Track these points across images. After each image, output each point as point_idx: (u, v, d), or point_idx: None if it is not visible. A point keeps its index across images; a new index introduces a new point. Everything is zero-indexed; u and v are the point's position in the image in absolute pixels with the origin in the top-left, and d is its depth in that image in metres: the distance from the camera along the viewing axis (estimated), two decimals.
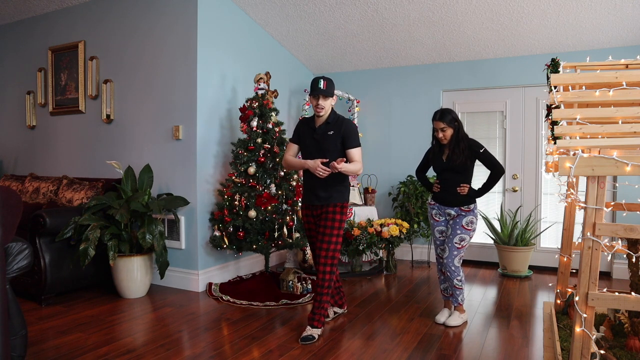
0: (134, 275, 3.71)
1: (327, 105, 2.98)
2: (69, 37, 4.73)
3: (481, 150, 3.12)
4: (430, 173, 3.49)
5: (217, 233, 3.86)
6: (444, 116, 3.08)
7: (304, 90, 5.48)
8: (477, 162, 3.17)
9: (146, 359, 2.58)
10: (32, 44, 5.07)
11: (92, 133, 4.59)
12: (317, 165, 2.88)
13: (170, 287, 4.07)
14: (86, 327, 3.06)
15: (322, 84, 2.93)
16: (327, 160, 2.92)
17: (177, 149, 4.08)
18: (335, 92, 5.10)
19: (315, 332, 2.90)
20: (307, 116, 3.08)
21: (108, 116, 4.45)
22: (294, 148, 3.17)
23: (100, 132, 4.53)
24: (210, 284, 4.02)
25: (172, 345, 2.79)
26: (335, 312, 3.34)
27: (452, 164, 3.11)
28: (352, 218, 4.71)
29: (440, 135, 3.12)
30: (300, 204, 3.19)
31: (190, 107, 3.99)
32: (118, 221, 3.62)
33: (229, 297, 3.73)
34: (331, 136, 2.98)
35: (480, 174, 3.50)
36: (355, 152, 2.99)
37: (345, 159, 2.90)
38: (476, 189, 3.17)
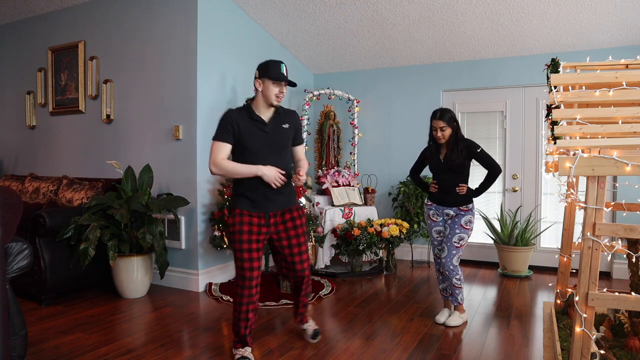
0: (134, 275, 3.71)
1: (285, 93, 2.57)
2: (69, 37, 4.73)
3: (478, 150, 3.13)
4: (424, 173, 3.48)
5: (217, 233, 3.86)
6: (444, 115, 3.08)
7: (304, 90, 5.48)
8: (474, 162, 3.18)
9: (146, 359, 2.58)
10: (32, 44, 5.07)
11: (92, 133, 4.59)
12: (276, 175, 2.46)
13: (170, 287, 4.07)
14: (86, 327, 3.06)
15: (284, 70, 2.50)
16: (285, 172, 2.52)
17: (177, 149, 4.08)
18: (335, 92, 5.17)
19: (314, 322, 2.93)
20: (235, 107, 2.64)
21: (108, 116, 4.45)
22: (226, 148, 2.49)
23: (100, 132, 4.53)
24: (210, 284, 4.02)
25: (172, 345, 2.79)
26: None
27: (451, 164, 3.11)
28: (352, 218, 4.72)
29: (439, 134, 3.11)
30: (237, 210, 2.57)
31: (190, 107, 3.99)
32: (118, 221, 3.62)
33: (229, 297, 3.73)
34: (286, 130, 2.59)
35: (478, 174, 3.50)
36: (302, 149, 2.73)
37: (285, 172, 2.54)
38: (474, 188, 3.17)
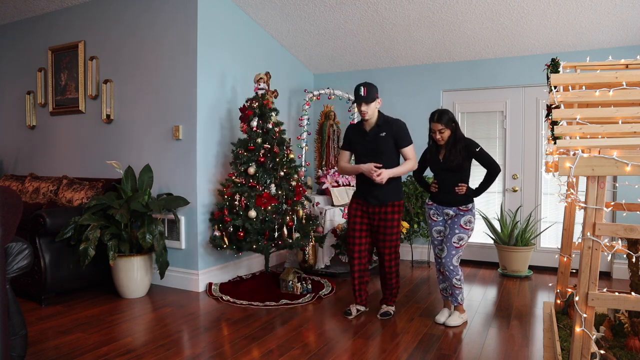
0: (134, 275, 3.71)
1: (370, 109, 3.13)
2: (69, 37, 4.73)
3: (477, 150, 3.13)
4: (427, 173, 3.50)
5: (217, 233, 3.85)
6: (442, 117, 3.08)
7: (304, 90, 5.48)
8: (474, 162, 3.18)
9: (146, 359, 2.58)
10: (32, 44, 5.07)
11: (92, 133, 4.59)
12: (370, 168, 3.09)
13: (170, 287, 4.07)
14: (86, 327, 3.06)
15: (362, 91, 3.11)
16: (381, 165, 3.12)
17: (177, 149, 4.08)
18: (336, 92, 5.17)
19: (391, 309, 3.36)
20: (354, 122, 3.45)
21: (108, 116, 4.45)
22: (346, 155, 3.38)
23: (100, 132, 4.53)
24: (210, 284, 4.02)
25: (172, 345, 2.79)
26: (358, 310, 3.38)
27: (450, 164, 3.11)
28: None
29: (438, 136, 3.12)
30: (351, 198, 3.42)
31: (190, 107, 3.99)
32: (118, 221, 3.62)
33: (229, 297, 3.73)
34: (384, 138, 3.16)
35: (478, 174, 3.50)
36: (408, 150, 3.20)
37: (381, 165, 3.13)
38: (474, 188, 3.17)
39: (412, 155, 3.21)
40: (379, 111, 3.22)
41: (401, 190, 3.30)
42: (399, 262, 3.38)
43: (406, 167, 3.20)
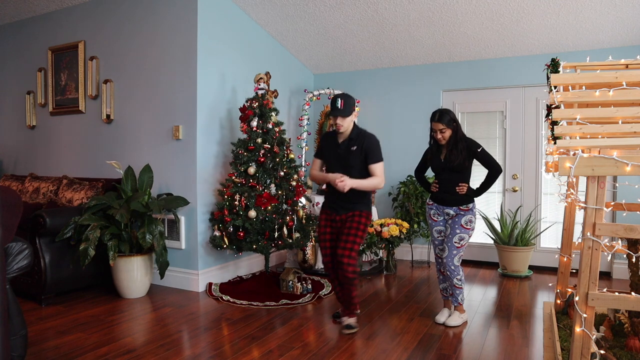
0: (134, 275, 3.71)
1: (345, 123, 3.03)
2: (69, 37, 4.73)
3: (479, 150, 3.12)
4: (429, 173, 3.50)
5: (217, 233, 3.86)
6: (443, 117, 3.08)
7: (304, 90, 5.49)
8: (475, 162, 3.18)
9: (146, 359, 2.58)
10: (32, 44, 5.07)
11: (92, 133, 4.59)
12: (336, 177, 2.97)
13: (170, 287, 4.07)
14: (86, 327, 3.06)
15: (339, 104, 2.99)
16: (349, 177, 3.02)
17: (177, 149, 4.08)
18: (335, 92, 5.17)
19: (353, 320, 3.07)
20: (330, 130, 3.32)
21: (108, 116, 4.45)
22: (318, 163, 3.30)
23: (100, 132, 4.53)
24: (210, 284, 4.02)
25: (172, 345, 2.79)
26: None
27: (451, 164, 3.11)
28: None
29: (439, 136, 3.12)
30: (320, 209, 3.32)
31: (190, 107, 3.99)
32: (118, 221, 3.62)
33: (229, 297, 3.73)
34: (354, 152, 3.06)
35: (479, 174, 3.50)
36: (375, 167, 3.05)
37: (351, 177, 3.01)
38: (474, 188, 3.17)
39: (379, 173, 3.05)
40: (354, 123, 3.10)
41: (370, 203, 3.19)
42: (357, 270, 3.08)
43: (371, 182, 3.05)
